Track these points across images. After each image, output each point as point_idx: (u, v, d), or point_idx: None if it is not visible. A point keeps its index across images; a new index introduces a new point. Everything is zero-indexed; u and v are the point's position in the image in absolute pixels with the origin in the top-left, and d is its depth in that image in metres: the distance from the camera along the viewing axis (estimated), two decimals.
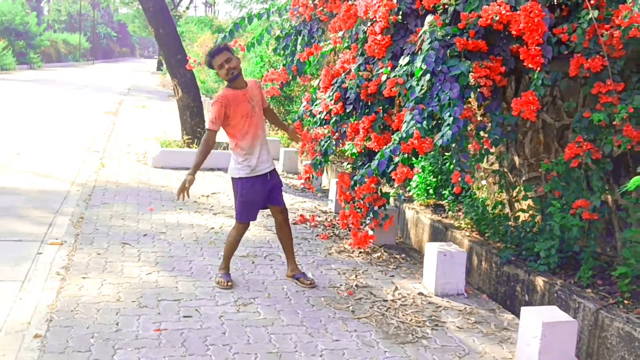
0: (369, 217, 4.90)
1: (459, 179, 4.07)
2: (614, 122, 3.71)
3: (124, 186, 7.29)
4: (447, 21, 4.06)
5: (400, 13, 4.40)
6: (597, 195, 3.96)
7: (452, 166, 4.61)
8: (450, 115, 3.80)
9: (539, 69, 3.76)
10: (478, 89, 4.02)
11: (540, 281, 4.05)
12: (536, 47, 3.68)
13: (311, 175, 5.16)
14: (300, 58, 5.44)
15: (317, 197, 7.28)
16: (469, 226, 5.19)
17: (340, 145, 5.19)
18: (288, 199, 6.95)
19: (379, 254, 5.18)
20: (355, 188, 4.80)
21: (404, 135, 4.01)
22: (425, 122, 3.98)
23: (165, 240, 5.26)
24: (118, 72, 37.63)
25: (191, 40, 25.29)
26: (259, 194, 4.21)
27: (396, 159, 4.13)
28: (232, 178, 4.27)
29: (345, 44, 5.19)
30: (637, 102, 3.62)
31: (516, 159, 5.16)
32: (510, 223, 4.85)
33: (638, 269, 3.77)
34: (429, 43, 3.94)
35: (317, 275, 4.60)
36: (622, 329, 3.34)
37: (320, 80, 5.25)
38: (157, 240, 5.23)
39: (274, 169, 4.33)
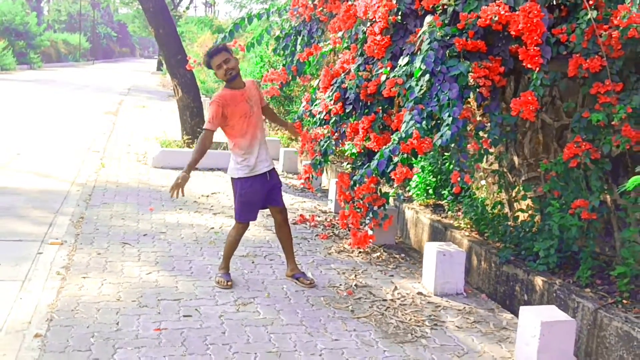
0: (368, 217, 4.91)
1: (458, 179, 4.09)
2: (613, 122, 3.72)
3: (124, 186, 7.30)
4: (446, 21, 4.07)
5: (400, 13, 4.41)
6: (596, 195, 3.97)
7: (451, 166, 4.62)
8: (449, 116, 3.81)
9: (537, 69, 3.77)
10: (477, 89, 4.03)
11: (539, 281, 4.06)
12: (535, 48, 3.69)
13: (311, 175, 5.17)
14: (300, 58, 5.45)
15: (316, 197, 7.29)
16: (469, 226, 5.20)
17: (340, 145, 5.20)
18: (288, 199, 6.96)
19: (378, 253, 5.19)
20: (355, 188, 4.81)
21: (403, 135, 4.02)
22: (424, 122, 3.99)
23: (165, 240, 5.27)
24: (118, 72, 37.64)
25: (191, 40, 25.31)
26: (258, 194, 4.22)
27: (395, 159, 4.13)
28: (232, 178, 4.28)
29: (345, 44, 5.20)
30: (635, 102, 3.64)
31: (515, 159, 5.17)
32: (509, 223, 4.86)
33: (637, 269, 3.78)
34: (428, 43, 3.95)
35: (316, 274, 4.61)
36: (620, 328, 3.35)
37: (319, 80, 5.25)
38: (157, 240, 5.24)
39: (273, 168, 4.34)
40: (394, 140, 4.12)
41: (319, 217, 6.31)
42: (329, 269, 4.77)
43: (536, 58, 3.71)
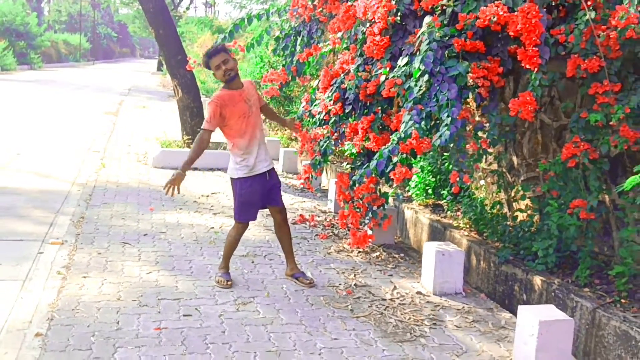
0: (367, 217, 4.92)
1: (457, 178, 4.10)
2: (611, 123, 3.73)
3: (124, 186, 7.32)
4: (445, 22, 4.08)
5: (399, 14, 4.42)
6: (594, 195, 3.99)
7: (450, 166, 4.63)
8: (448, 116, 3.82)
9: (536, 69, 3.78)
10: (476, 90, 4.04)
11: (538, 280, 4.07)
12: (533, 48, 3.70)
13: (310, 175, 5.18)
14: (299, 59, 5.46)
15: (316, 197, 7.31)
16: (468, 226, 5.21)
17: (339, 145, 5.21)
18: (288, 199, 6.98)
19: (377, 253, 5.21)
20: (354, 188, 4.83)
21: (403, 135, 4.03)
22: (423, 123, 4.00)
23: (165, 239, 5.29)
24: (118, 73, 37.65)
25: (191, 40, 25.33)
26: (257, 194, 4.24)
27: (395, 159, 4.15)
28: (231, 178, 4.29)
29: (344, 45, 5.21)
30: (633, 103, 3.65)
31: (514, 159, 5.19)
32: (508, 223, 4.87)
33: (635, 268, 3.80)
34: (427, 44, 3.96)
35: (316, 274, 4.63)
36: (618, 328, 3.36)
37: (319, 80, 5.27)
38: (157, 240, 5.26)
39: (273, 168, 4.35)
40: (393, 140, 4.13)
41: (318, 217, 6.32)
42: (328, 269, 4.78)
43: (535, 58, 3.71)
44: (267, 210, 4.50)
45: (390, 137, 4.25)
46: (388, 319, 3.88)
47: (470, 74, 3.93)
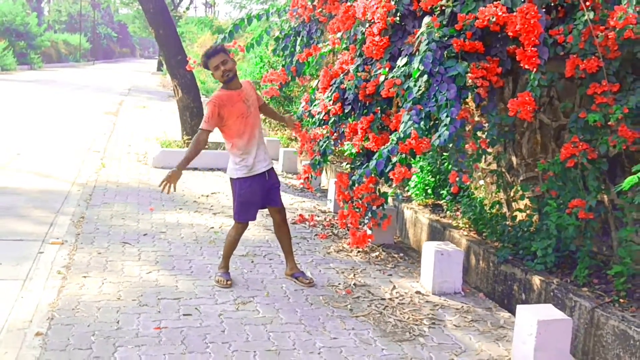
0: (367, 217, 4.94)
1: (457, 178, 4.12)
2: (609, 123, 3.74)
3: (124, 186, 7.33)
4: (444, 22, 4.09)
5: (398, 14, 4.43)
6: (593, 195, 4.00)
7: (450, 166, 4.64)
8: (447, 116, 3.83)
9: (535, 69, 3.79)
10: (475, 90, 4.05)
11: (536, 280, 4.08)
12: (532, 48, 3.71)
13: (310, 175, 5.19)
14: (299, 59, 5.47)
15: (316, 197, 7.32)
16: (467, 226, 5.22)
17: (339, 145, 5.22)
18: (287, 198, 6.99)
19: (377, 253, 5.22)
20: (354, 188, 4.84)
21: (402, 135, 4.05)
22: (422, 123, 4.02)
23: (165, 239, 5.30)
24: (118, 73, 37.67)
25: (191, 40, 25.36)
26: (257, 194, 4.25)
27: (394, 159, 4.16)
28: (231, 178, 4.30)
29: (344, 45, 5.22)
30: (632, 103, 3.66)
31: (514, 159, 5.20)
32: (507, 222, 4.88)
33: (633, 268, 3.81)
34: (427, 44, 3.98)
35: (315, 274, 4.64)
36: (617, 327, 3.37)
37: (318, 81, 5.28)
38: (157, 240, 5.27)
39: (272, 168, 4.36)
40: (393, 140, 4.14)
41: (318, 216, 6.33)
42: (328, 268, 4.79)
43: (533, 59, 3.73)
44: (266, 210, 4.51)
45: (390, 137, 4.27)
46: (387, 318, 3.89)
47: (469, 74, 3.95)
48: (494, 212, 5.12)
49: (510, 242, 4.62)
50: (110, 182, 7.49)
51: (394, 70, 4.34)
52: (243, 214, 4.30)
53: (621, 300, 3.66)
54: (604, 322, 3.47)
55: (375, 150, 4.60)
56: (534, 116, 4.66)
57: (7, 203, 6.24)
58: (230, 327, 3.63)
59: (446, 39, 4.02)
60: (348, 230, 5.38)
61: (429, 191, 5.99)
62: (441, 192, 5.86)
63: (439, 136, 3.85)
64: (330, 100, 4.95)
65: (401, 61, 4.30)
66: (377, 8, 4.42)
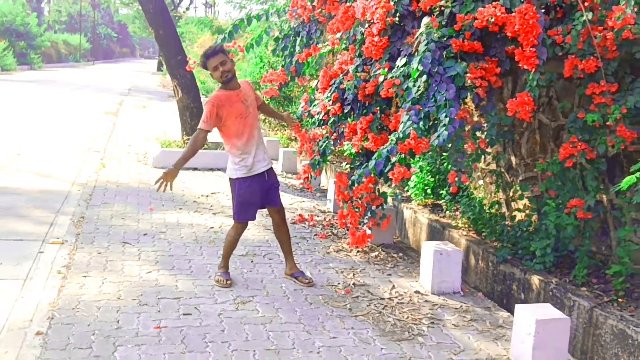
0: (366, 217, 4.95)
1: (456, 178, 4.13)
2: (608, 123, 3.76)
3: (124, 186, 7.34)
4: (443, 23, 4.11)
5: (397, 15, 4.45)
6: (592, 195, 4.01)
7: (449, 166, 4.65)
8: (446, 116, 3.85)
9: (533, 70, 3.80)
10: (474, 90, 4.06)
11: (535, 280, 4.09)
12: (531, 49, 3.73)
13: (310, 175, 5.20)
14: (298, 59, 5.49)
15: (315, 196, 7.33)
16: (466, 225, 5.24)
17: (338, 145, 5.24)
18: (287, 198, 7.00)
19: (376, 253, 5.23)
20: (353, 188, 4.85)
21: (401, 135, 4.06)
22: (421, 123, 4.03)
23: (165, 239, 5.31)
24: (118, 73, 37.68)
25: (191, 41, 25.37)
26: (256, 194, 4.26)
27: (393, 159, 4.17)
28: (230, 179, 4.31)
29: (343, 46, 5.23)
30: (630, 103, 3.67)
31: (513, 159, 5.21)
32: (506, 222, 4.90)
33: (632, 268, 3.82)
34: (426, 44, 3.99)
35: (315, 273, 4.65)
36: (615, 327, 3.39)
37: (318, 81, 5.29)
38: (157, 240, 5.28)
39: (271, 168, 4.37)
40: (392, 140, 4.16)
41: (317, 216, 6.35)
42: (327, 268, 4.80)
43: (532, 59, 3.74)
44: (266, 210, 4.52)
45: (389, 137, 4.28)
46: (386, 317, 3.90)
47: (468, 75, 3.96)
48: (493, 212, 5.13)
49: (509, 242, 4.63)
50: (110, 182, 7.50)
51: (393, 70, 4.35)
52: (242, 214, 4.31)
53: (620, 299, 3.68)
54: (603, 321, 3.48)
55: (374, 150, 4.61)
56: (533, 116, 4.67)
57: (8, 203, 6.26)
58: (230, 327, 3.64)
59: (445, 39, 4.03)
60: (347, 230, 5.39)
61: (429, 191, 6.00)
62: (440, 192, 5.87)
63: (438, 136, 3.86)
64: (329, 101, 4.97)
65: (400, 61, 4.32)
66: (376, 8, 4.44)
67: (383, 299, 4.22)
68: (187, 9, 42.06)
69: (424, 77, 3.99)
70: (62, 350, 3.24)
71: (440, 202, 5.95)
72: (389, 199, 5.38)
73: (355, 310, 3.99)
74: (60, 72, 34.25)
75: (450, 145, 4.23)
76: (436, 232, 5.41)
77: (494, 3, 3.89)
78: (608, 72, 3.79)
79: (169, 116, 14.00)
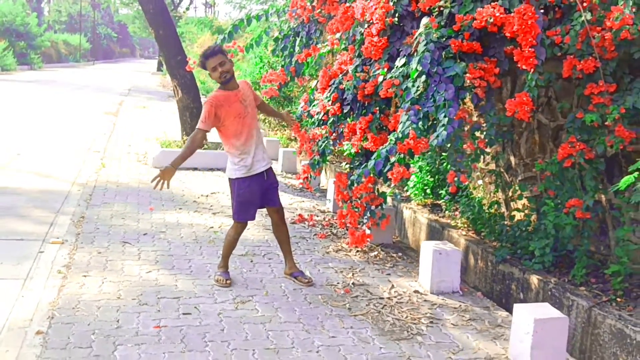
0: (366, 217, 4.96)
1: (455, 178, 4.14)
2: (606, 123, 3.77)
3: (124, 186, 7.35)
4: (442, 23, 4.12)
5: (397, 15, 4.46)
6: (590, 195, 4.02)
7: (448, 166, 4.66)
8: (445, 116, 3.86)
9: (532, 70, 3.81)
10: (472, 90, 4.08)
11: (534, 279, 4.11)
12: (530, 49, 3.74)
13: (309, 175, 5.22)
14: (298, 59, 5.50)
15: (315, 196, 7.34)
16: (466, 225, 5.25)
17: (338, 145, 5.25)
18: (287, 198, 7.01)
19: (376, 252, 5.24)
20: (353, 187, 4.86)
21: (400, 135, 4.07)
22: (420, 123, 4.04)
23: (165, 239, 5.32)
24: (118, 73, 37.70)
25: (191, 41, 25.38)
26: (255, 193, 4.27)
27: (392, 159, 4.18)
28: (229, 179, 4.32)
29: (343, 46, 5.25)
30: (629, 103, 3.69)
31: (512, 159, 5.22)
32: (505, 222, 4.91)
33: (631, 267, 3.83)
34: (425, 45, 4.00)
35: (314, 273, 4.66)
36: (614, 326, 3.40)
37: (318, 81, 5.30)
38: (157, 240, 5.29)
39: (271, 167, 4.38)
40: (391, 140, 4.17)
41: (317, 216, 6.36)
42: (326, 268, 4.82)
43: (531, 59, 3.75)
44: (266, 210, 4.53)
45: (388, 137, 4.29)
46: (385, 317, 3.91)
47: (467, 75, 3.97)
48: (492, 212, 5.14)
49: (508, 242, 4.64)
50: (110, 182, 7.51)
51: (393, 70, 4.36)
52: (242, 214, 4.32)
53: (618, 299, 3.69)
54: (601, 321, 3.50)
55: (373, 150, 4.62)
56: (532, 116, 4.68)
57: (8, 203, 6.27)
58: (230, 326, 3.66)
59: (444, 39, 4.04)
60: (347, 229, 5.40)
61: (428, 191, 6.01)
62: (440, 192, 5.88)
63: (437, 136, 3.87)
64: (329, 101, 4.98)
65: (399, 62, 4.33)
66: (375, 9, 4.45)
67: (382, 298, 4.23)
68: (187, 9, 42.10)
69: (423, 77, 4.00)
70: (62, 350, 3.25)
71: (439, 202, 5.96)
72: (389, 199, 5.39)
73: (354, 310, 4.01)
74: (60, 72, 34.27)
75: (449, 145, 4.24)
76: (435, 232, 5.42)
77: (492, 3, 3.90)
78: (606, 72, 3.81)
79: (169, 116, 14.01)
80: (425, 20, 4.15)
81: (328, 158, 5.30)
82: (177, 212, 6.27)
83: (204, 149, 8.85)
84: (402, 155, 4.15)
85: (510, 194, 5.19)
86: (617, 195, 3.94)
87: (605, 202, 4.19)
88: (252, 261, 4.88)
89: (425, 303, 4.20)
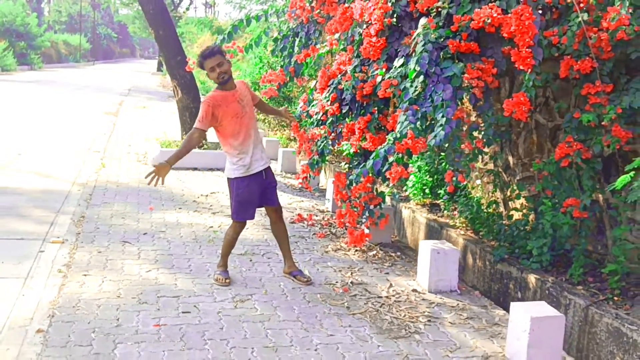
0: (364, 216, 4.97)
1: (453, 178, 4.16)
2: (603, 123, 3.79)
3: (124, 186, 7.37)
4: (440, 24, 4.14)
5: (395, 16, 4.48)
6: (588, 194, 4.04)
7: (447, 166, 4.68)
8: (443, 116, 3.88)
9: (529, 70, 3.83)
10: (470, 90, 4.10)
11: (532, 278, 4.13)
12: (527, 49, 3.76)
13: (308, 175, 5.24)
14: (297, 59, 5.52)
15: (314, 196, 7.36)
16: (464, 225, 5.27)
17: (337, 145, 5.27)
18: (286, 198, 7.04)
19: (374, 252, 5.26)
20: (352, 187, 4.88)
21: (398, 135, 4.09)
22: (418, 123, 4.06)
23: (164, 238, 5.34)
24: (118, 73, 37.71)
25: (191, 41, 25.41)
26: (254, 193, 4.29)
27: (391, 159, 4.20)
28: (228, 178, 4.34)
29: (342, 46, 5.27)
30: (625, 103, 3.71)
31: (510, 158, 5.24)
32: (504, 222, 4.93)
33: (628, 266, 3.85)
34: (423, 45, 4.03)
35: (313, 272, 4.68)
36: (611, 325, 3.42)
37: (317, 81, 5.33)
38: (156, 239, 5.31)
39: (269, 167, 4.40)
40: (389, 140, 4.19)
41: (316, 216, 6.38)
42: (325, 267, 4.84)
43: (528, 60, 3.77)
44: (264, 209, 4.55)
45: (387, 137, 4.31)
46: (383, 315, 3.94)
47: (464, 75, 3.99)
48: (490, 212, 5.16)
49: (506, 241, 4.66)
50: (110, 182, 7.54)
51: (391, 71, 4.38)
52: (241, 214, 4.34)
53: (615, 298, 3.71)
54: (598, 319, 3.52)
55: (372, 150, 4.64)
56: (530, 116, 4.71)
57: (9, 203, 6.29)
58: (229, 324, 3.68)
59: (442, 40, 4.06)
60: (346, 229, 5.42)
61: (427, 191, 6.04)
62: (439, 192, 5.90)
63: (435, 136, 3.89)
64: (328, 101, 5.00)
65: (398, 62, 4.35)
66: (374, 9, 4.47)
67: (380, 297, 4.26)
68: (187, 9, 42.08)
69: (421, 78, 4.03)
70: (63, 348, 3.28)
71: (438, 201, 5.99)
72: (387, 199, 5.41)
73: (352, 309, 4.03)
74: (60, 72, 34.29)
75: (447, 145, 4.26)
76: (434, 232, 5.44)
77: (490, 4, 3.92)
78: (603, 72, 3.83)
79: (168, 116, 14.03)
80: (423, 20, 4.18)
81: (327, 158, 5.32)
82: (177, 211, 6.29)
83: (203, 149, 8.88)
84: (400, 155, 4.17)
85: (508, 193, 5.21)
86: (614, 194, 3.97)
87: (603, 201, 4.22)
88: (251, 260, 4.90)
89: (423, 302, 4.22)
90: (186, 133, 9.41)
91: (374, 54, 4.56)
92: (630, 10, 3.60)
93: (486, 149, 5.15)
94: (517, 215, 4.91)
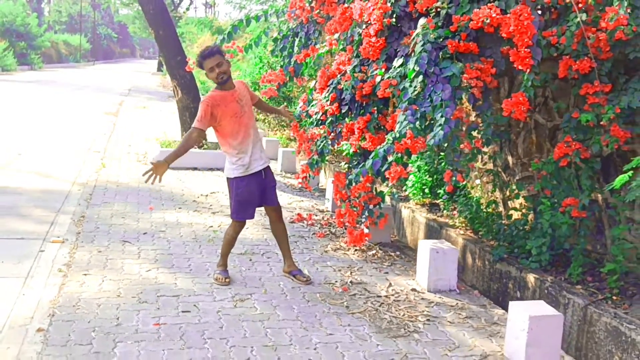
0: (364, 216, 4.98)
1: (452, 177, 4.17)
2: (602, 123, 3.80)
3: (124, 186, 7.39)
4: (439, 24, 4.15)
5: (394, 16, 4.49)
6: (586, 194, 4.05)
7: (446, 165, 4.69)
8: (442, 116, 3.89)
9: (528, 70, 3.85)
10: (469, 90, 4.11)
11: (531, 278, 4.14)
12: (526, 49, 3.77)
13: (308, 175, 5.25)
14: (297, 59, 5.53)
15: (314, 196, 7.38)
16: (463, 225, 5.28)
17: (336, 145, 5.28)
18: (286, 198, 7.05)
19: (374, 251, 5.27)
20: (351, 187, 4.89)
21: (398, 135, 4.10)
22: (418, 123, 4.07)
23: (164, 238, 5.35)
24: (118, 73, 37.72)
25: (191, 41, 25.42)
26: (254, 193, 4.30)
27: (390, 159, 4.21)
28: (228, 178, 4.36)
29: (341, 46, 5.28)
30: (624, 103, 3.72)
31: (510, 158, 5.25)
32: (503, 221, 4.94)
33: (626, 266, 3.86)
34: (422, 45, 4.04)
35: (313, 272, 4.69)
36: (609, 324, 3.43)
37: (316, 81, 5.34)
38: (156, 239, 5.32)
39: (269, 166, 4.41)
40: (389, 140, 4.20)
41: (316, 215, 6.39)
42: (325, 267, 4.85)
43: (527, 60, 3.78)
44: (264, 209, 4.56)
45: (386, 136, 4.32)
46: (383, 315, 3.95)
47: (463, 75, 4.00)
48: (490, 211, 5.17)
49: (505, 241, 4.67)
50: (111, 181, 7.55)
51: (390, 71, 4.39)
52: (241, 213, 4.35)
53: (614, 297, 3.72)
54: (597, 319, 3.53)
55: (371, 150, 4.65)
56: (529, 116, 4.72)
57: (9, 202, 6.30)
58: (228, 324, 3.69)
59: (441, 40, 4.07)
60: (345, 229, 5.43)
61: (426, 190, 6.05)
62: (438, 192, 5.91)
63: (434, 136, 3.90)
64: (327, 101, 5.01)
65: (397, 62, 4.36)
66: (373, 10, 4.48)
67: (380, 296, 4.27)
68: (187, 9, 42.11)
69: (420, 78, 4.03)
70: (63, 347, 3.29)
71: (437, 201, 6.00)
72: (387, 198, 5.42)
73: (352, 308, 4.04)
74: (60, 72, 34.30)
75: (446, 144, 4.27)
76: (433, 231, 5.46)
77: (489, 4, 3.93)
78: (602, 72, 3.84)
79: (168, 116, 14.04)
80: (422, 21, 4.19)
81: (327, 158, 5.33)
82: (177, 211, 6.30)
83: (203, 148, 8.89)
84: (399, 155, 4.18)
85: (507, 193, 5.23)
86: (612, 194, 3.98)
87: (601, 201, 4.23)
88: (250, 260, 4.91)
89: (423, 301, 4.23)
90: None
91: (374, 54, 4.57)
92: (629, 11, 3.62)
93: (485, 149, 5.17)
94: (516, 215, 4.92)
